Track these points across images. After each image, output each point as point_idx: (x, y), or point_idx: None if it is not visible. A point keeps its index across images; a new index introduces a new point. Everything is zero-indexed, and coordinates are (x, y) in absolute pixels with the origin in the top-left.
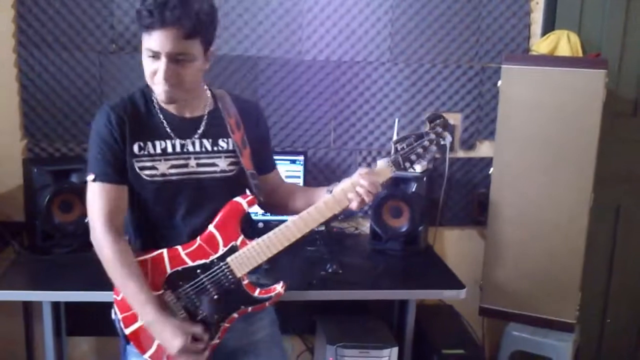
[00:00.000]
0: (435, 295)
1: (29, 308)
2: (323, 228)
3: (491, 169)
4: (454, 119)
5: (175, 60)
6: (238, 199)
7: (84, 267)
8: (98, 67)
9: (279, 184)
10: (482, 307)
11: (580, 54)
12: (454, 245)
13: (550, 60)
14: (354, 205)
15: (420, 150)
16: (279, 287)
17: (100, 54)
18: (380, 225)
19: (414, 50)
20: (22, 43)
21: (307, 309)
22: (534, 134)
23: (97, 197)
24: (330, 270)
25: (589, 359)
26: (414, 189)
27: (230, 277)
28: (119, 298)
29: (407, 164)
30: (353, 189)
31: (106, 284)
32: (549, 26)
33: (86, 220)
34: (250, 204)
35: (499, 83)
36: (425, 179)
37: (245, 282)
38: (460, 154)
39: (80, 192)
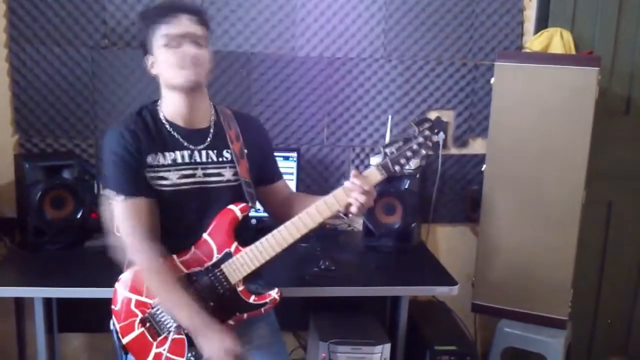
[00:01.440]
0: (427, 291)
1: (20, 304)
2: None
3: (484, 166)
4: (447, 116)
5: (197, 43)
6: (231, 206)
7: (76, 264)
8: (90, 62)
9: (287, 195)
10: (475, 304)
11: (573, 52)
12: (447, 241)
13: (543, 57)
14: (352, 209)
15: (409, 154)
16: (273, 294)
17: (93, 49)
18: (373, 222)
19: (407, 47)
20: (14, 38)
21: (300, 306)
22: (526, 131)
23: (129, 215)
24: (323, 267)
25: (581, 356)
26: (406, 186)
27: (225, 283)
28: (117, 308)
29: (397, 168)
30: (344, 191)
31: (98, 281)
32: (542, 23)
33: (117, 234)
34: (242, 210)
35: (492, 80)
36: (418, 176)
37: (240, 288)
38: (453, 150)
39: (71, 189)
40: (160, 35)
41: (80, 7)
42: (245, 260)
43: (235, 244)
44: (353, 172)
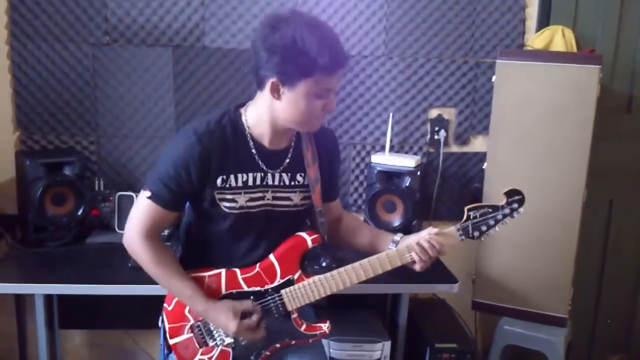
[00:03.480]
0: (428, 289)
1: (21, 301)
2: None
3: (485, 164)
4: (448, 113)
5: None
6: (304, 234)
7: (77, 260)
8: (91, 59)
9: (339, 215)
10: (475, 302)
11: (575, 50)
12: None
13: (545, 55)
14: (417, 266)
15: (492, 222)
16: (324, 327)
17: (94, 46)
18: (374, 220)
19: (408, 44)
20: (15, 35)
21: None
22: (527, 129)
23: (144, 212)
24: (324, 265)
25: (581, 354)
26: (407, 184)
27: (281, 308)
28: (169, 308)
29: (476, 233)
30: (416, 247)
31: (98, 277)
32: (543, 21)
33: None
34: (314, 242)
35: (494, 78)
36: (419, 173)
37: (294, 316)
38: (454, 148)
39: (73, 185)
40: (319, 85)
41: (81, 4)
42: (307, 290)
43: (299, 272)
44: (433, 230)
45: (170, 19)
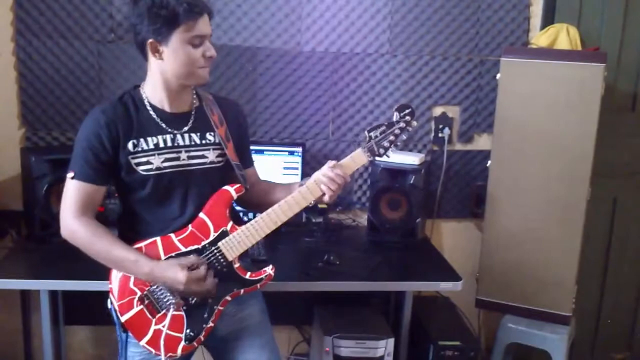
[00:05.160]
0: (432, 287)
1: (26, 297)
2: (321, 220)
3: (489, 162)
4: (453, 111)
5: (209, 40)
6: (227, 187)
7: (82, 257)
8: (96, 56)
9: (256, 182)
10: (479, 299)
11: (580, 48)
12: (451, 237)
13: (549, 53)
14: (325, 197)
15: (392, 137)
16: (269, 270)
17: (99, 43)
18: (378, 217)
19: (413, 42)
20: (21, 31)
21: (305, 300)
22: (532, 127)
23: (72, 193)
24: (327, 262)
25: (584, 352)
26: (411, 181)
27: (222, 260)
28: (114, 286)
29: (382, 150)
30: (323, 178)
31: (104, 273)
32: (548, 19)
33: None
34: (237, 191)
35: (498, 76)
36: (423, 171)
37: (237, 265)
38: (458, 146)
39: None
40: (188, 33)
41: (86, 1)
42: (242, 238)
43: (231, 223)
44: (330, 163)
45: None
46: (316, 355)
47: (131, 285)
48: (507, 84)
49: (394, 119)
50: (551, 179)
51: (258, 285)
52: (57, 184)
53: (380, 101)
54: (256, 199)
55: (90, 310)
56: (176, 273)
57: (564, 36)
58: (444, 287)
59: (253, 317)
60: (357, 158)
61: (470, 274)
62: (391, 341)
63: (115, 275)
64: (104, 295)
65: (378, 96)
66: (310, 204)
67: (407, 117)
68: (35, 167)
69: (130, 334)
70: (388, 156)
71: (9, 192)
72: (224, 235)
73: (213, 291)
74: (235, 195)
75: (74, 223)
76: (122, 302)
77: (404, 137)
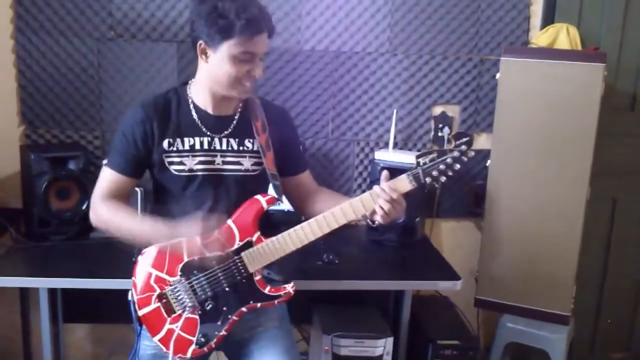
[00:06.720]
0: (430, 286)
1: (25, 294)
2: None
3: (488, 161)
4: (452, 111)
5: (261, 59)
6: (258, 197)
7: (81, 254)
8: (96, 54)
9: (312, 189)
10: (478, 299)
11: (579, 48)
12: (450, 236)
13: (549, 53)
14: (377, 217)
15: (442, 167)
16: (289, 287)
17: (99, 40)
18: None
19: (413, 41)
20: (20, 29)
21: (304, 299)
22: (531, 127)
23: (103, 179)
24: (326, 261)
25: (583, 352)
26: None
27: (242, 271)
28: (136, 280)
29: (428, 179)
30: (371, 196)
31: (102, 272)
32: (548, 19)
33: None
34: (269, 202)
35: (498, 75)
36: None
37: (257, 278)
38: None
39: (77, 180)
40: (239, 47)
41: None
42: (266, 251)
43: (257, 234)
44: (384, 174)
45: (175, 14)
46: (315, 354)
47: (152, 282)
48: (507, 83)
49: (450, 146)
50: (550, 179)
51: (275, 301)
52: (56, 181)
53: (380, 100)
54: (311, 208)
55: (89, 308)
56: (192, 223)
57: (564, 36)
58: (443, 286)
59: (271, 322)
60: (400, 184)
61: (469, 273)
62: (390, 340)
63: (139, 270)
64: (104, 292)
65: (378, 95)
66: (369, 223)
67: (463, 147)
68: (34, 165)
69: (144, 328)
70: (436, 186)
71: (8, 190)
72: (248, 245)
73: (228, 254)
74: (265, 206)
75: (99, 204)
76: (141, 296)
77: (457, 167)
